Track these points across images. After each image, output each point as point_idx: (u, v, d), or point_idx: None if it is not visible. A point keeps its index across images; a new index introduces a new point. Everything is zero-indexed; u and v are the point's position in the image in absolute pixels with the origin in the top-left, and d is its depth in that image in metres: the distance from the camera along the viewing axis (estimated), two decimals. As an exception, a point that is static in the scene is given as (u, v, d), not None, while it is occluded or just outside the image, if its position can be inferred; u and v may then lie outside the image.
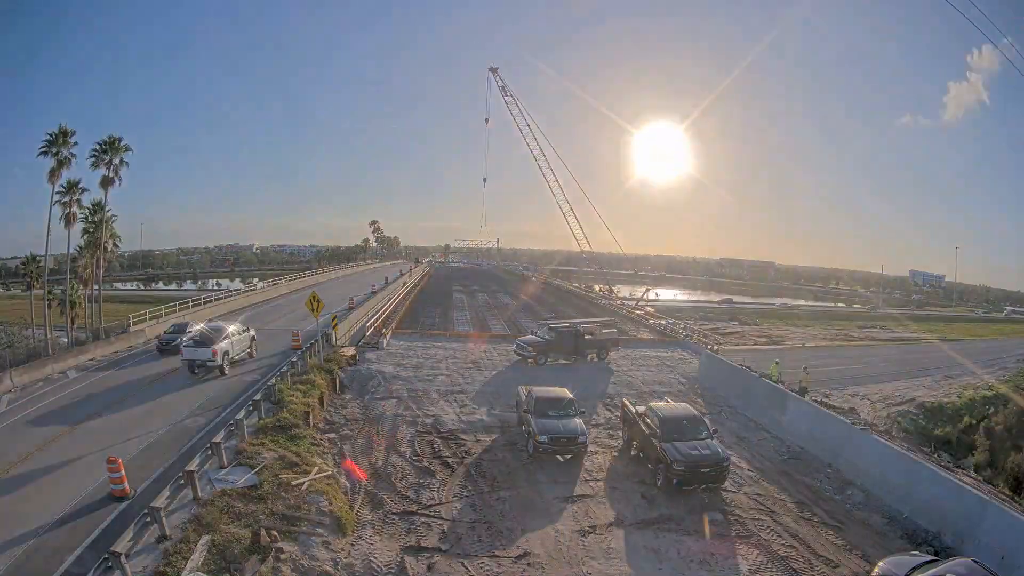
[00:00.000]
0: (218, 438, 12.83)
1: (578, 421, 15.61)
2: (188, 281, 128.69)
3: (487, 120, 69.21)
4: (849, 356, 60.16)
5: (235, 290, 46.39)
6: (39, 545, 9.64)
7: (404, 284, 57.64)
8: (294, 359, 20.52)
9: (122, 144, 36.39)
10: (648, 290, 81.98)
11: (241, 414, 14.52)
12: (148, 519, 9.59)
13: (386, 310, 38.71)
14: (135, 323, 27.66)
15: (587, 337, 25.60)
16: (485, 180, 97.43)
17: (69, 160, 34.10)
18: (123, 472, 11.46)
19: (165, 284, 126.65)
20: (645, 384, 23.22)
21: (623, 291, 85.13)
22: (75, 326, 37.43)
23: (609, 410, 19.67)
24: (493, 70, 63.53)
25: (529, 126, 63.77)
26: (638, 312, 46.32)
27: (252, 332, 23.02)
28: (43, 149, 33.35)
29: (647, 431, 14.67)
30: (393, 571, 10.32)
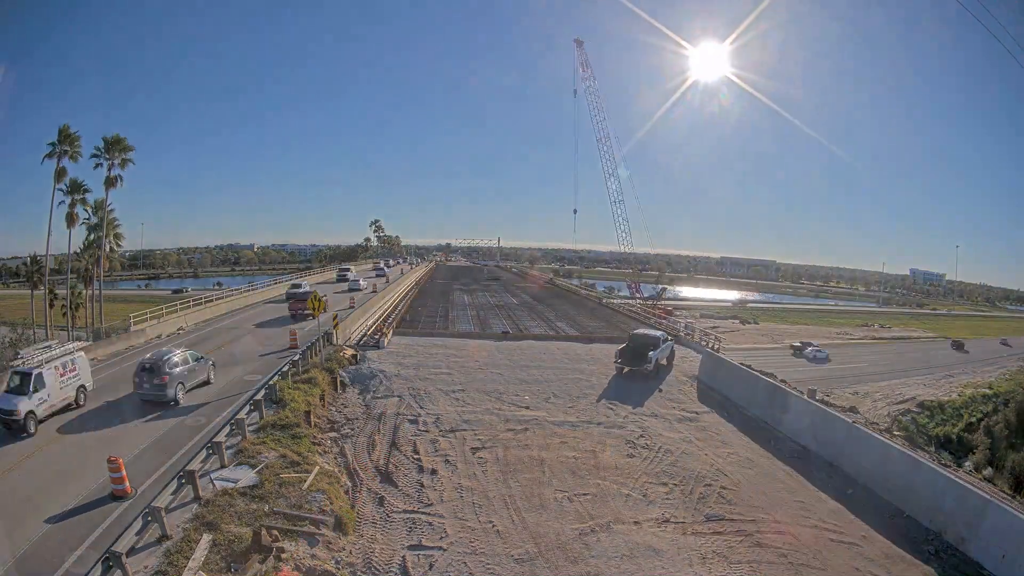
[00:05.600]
0: (219, 437, 12.83)
1: None
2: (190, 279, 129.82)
3: (575, 92, 65.84)
4: (849, 354, 60.26)
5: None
6: (39, 544, 9.64)
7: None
8: (295, 358, 20.53)
9: (125, 144, 36.43)
10: (664, 289, 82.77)
11: (242, 413, 14.52)
12: (149, 519, 9.59)
13: (387, 309, 38.71)
14: (136, 323, 27.65)
15: None
16: (576, 211, 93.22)
17: (64, 168, 34.23)
18: (124, 472, 11.46)
19: (167, 280, 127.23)
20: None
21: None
22: (75, 325, 37.50)
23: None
24: (578, 42, 62.63)
25: (600, 106, 62.31)
26: (636, 310, 46.20)
27: None
28: (48, 154, 33.48)
29: None
30: (395, 570, 10.32)
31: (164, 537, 9.67)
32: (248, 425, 14.35)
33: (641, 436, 17.32)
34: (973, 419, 41.17)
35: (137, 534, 9.31)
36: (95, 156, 35.47)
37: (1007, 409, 41.18)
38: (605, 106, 60.71)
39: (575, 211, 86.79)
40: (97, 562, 8.30)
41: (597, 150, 59.90)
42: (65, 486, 11.53)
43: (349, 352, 23.75)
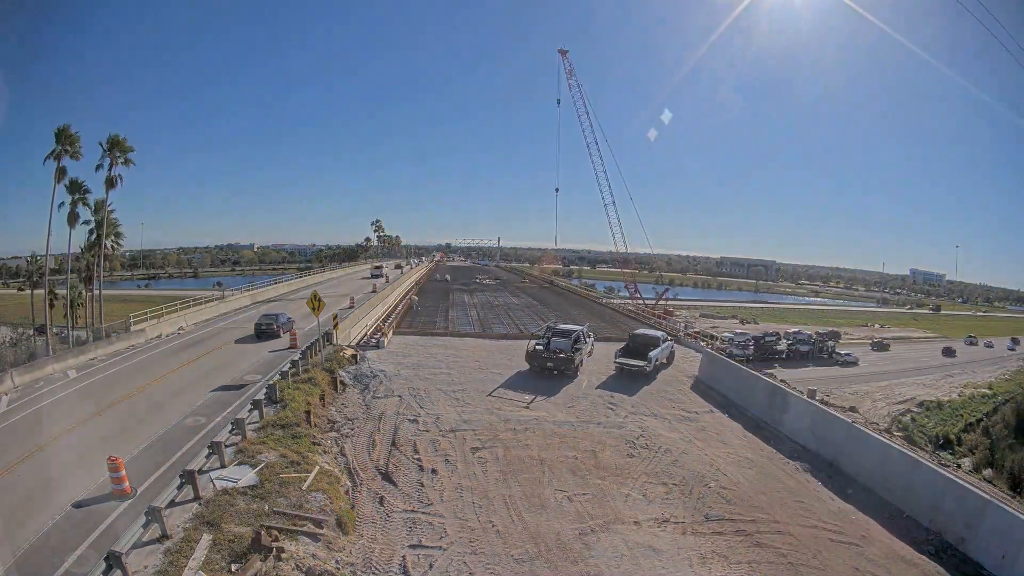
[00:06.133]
0: (219, 437, 12.83)
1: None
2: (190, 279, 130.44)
3: (559, 101, 67.66)
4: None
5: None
6: (40, 544, 9.64)
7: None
8: (295, 358, 20.53)
9: (125, 144, 36.44)
10: (667, 289, 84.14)
11: (243, 413, 14.52)
12: (149, 518, 9.58)
13: (387, 309, 38.68)
14: (136, 323, 27.65)
15: None
16: (557, 190, 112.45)
17: (64, 168, 34.28)
18: (124, 471, 11.46)
19: (167, 280, 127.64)
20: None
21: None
22: (76, 325, 37.52)
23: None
24: (562, 52, 64.52)
25: (588, 112, 63.84)
26: (635, 310, 46.19)
27: None
28: (49, 154, 33.52)
29: None
30: (395, 570, 10.32)
31: (164, 536, 9.66)
32: (248, 425, 14.35)
33: (641, 436, 17.32)
34: (972, 419, 41.16)
35: (142, 528, 9.34)
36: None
37: (1005, 409, 41.21)
38: (592, 111, 62.66)
39: (556, 190, 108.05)
40: (98, 561, 8.30)
41: (587, 155, 61.80)
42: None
43: (349, 352, 23.75)
